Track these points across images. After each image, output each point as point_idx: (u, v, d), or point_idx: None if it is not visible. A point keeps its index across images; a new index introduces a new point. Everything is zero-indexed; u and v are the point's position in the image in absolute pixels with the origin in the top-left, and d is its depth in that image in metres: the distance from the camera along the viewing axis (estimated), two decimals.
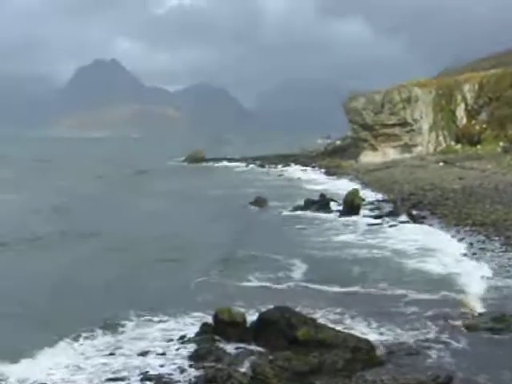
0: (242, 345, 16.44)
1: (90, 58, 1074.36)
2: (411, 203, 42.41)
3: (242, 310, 18.18)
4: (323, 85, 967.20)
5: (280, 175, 75.43)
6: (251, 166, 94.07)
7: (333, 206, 43.74)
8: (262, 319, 16.66)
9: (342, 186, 56.55)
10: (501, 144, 69.50)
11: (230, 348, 16.34)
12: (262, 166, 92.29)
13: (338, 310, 19.67)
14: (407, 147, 77.66)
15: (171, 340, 17.19)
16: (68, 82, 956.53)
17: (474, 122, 77.18)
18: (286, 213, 42.40)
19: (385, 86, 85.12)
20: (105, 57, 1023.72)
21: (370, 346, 15.51)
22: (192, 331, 17.63)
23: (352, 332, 16.86)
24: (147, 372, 14.88)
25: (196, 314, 19.39)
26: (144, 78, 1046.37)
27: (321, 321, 17.25)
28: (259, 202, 46.80)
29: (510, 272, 23.88)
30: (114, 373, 14.96)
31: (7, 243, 31.54)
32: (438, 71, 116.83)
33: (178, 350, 16.39)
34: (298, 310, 17.58)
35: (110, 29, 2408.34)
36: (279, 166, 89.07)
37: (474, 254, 27.17)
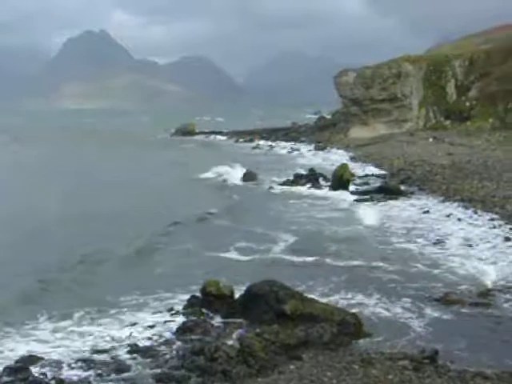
0: (229, 318, 16.54)
1: (79, 29, 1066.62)
2: (400, 179, 42.46)
3: (228, 282, 18.23)
4: (314, 59, 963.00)
5: (269, 149, 75.26)
6: (241, 139, 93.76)
7: (322, 180, 43.79)
8: (250, 292, 16.73)
9: (331, 161, 56.57)
10: (490, 121, 69.55)
11: (218, 321, 16.45)
12: (252, 140, 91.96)
13: (322, 284, 19.89)
14: (397, 122, 77.56)
15: (159, 312, 17.28)
16: (57, 54, 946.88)
17: (463, 98, 77.11)
18: (274, 187, 42.37)
19: (377, 61, 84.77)
20: (94, 28, 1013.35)
21: (356, 320, 15.62)
22: (180, 304, 17.72)
23: (338, 305, 16.99)
24: (135, 344, 14.97)
25: (183, 286, 19.47)
26: (133, 51, 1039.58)
27: (307, 293, 17.33)
28: (248, 176, 46.77)
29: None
30: (101, 344, 15.05)
31: None
32: (430, 47, 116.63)
33: (165, 322, 16.47)
34: (281, 281, 17.59)
35: (100, 0, 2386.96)
36: (269, 141, 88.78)
37: (462, 229, 27.42)
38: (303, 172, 46.47)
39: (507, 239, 25.10)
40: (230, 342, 14.47)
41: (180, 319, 16.47)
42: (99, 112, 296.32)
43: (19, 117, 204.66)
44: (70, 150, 73.63)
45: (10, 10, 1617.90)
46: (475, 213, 30.16)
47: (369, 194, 37.88)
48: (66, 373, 13.53)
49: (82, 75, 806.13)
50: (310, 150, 72.54)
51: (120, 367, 13.74)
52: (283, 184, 43.11)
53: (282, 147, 77.80)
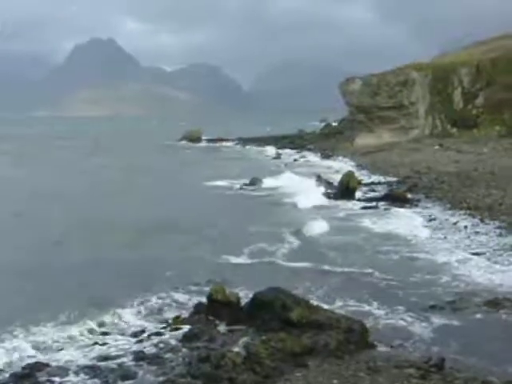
0: (235, 325, 16.51)
1: (87, 37, 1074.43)
2: (406, 186, 42.41)
3: (233, 288, 18.24)
4: (320, 66, 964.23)
5: (276, 157, 75.23)
6: (247, 147, 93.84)
7: (328, 188, 43.72)
8: (256, 300, 16.71)
9: (337, 169, 56.55)
10: (497, 128, 69.51)
11: (224, 328, 16.42)
12: (259, 146, 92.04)
13: (325, 290, 19.89)
14: (403, 130, 77.49)
15: (165, 319, 17.27)
16: (64, 61, 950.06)
17: (470, 105, 77.07)
18: (280, 193, 42.33)
19: (383, 69, 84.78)
20: (101, 36, 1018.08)
21: (362, 328, 15.59)
22: (186, 311, 17.71)
23: (344, 313, 16.95)
24: (141, 351, 14.96)
25: (190, 292, 19.51)
26: (141, 58, 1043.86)
27: (311, 300, 17.30)
28: (254, 182, 46.83)
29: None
30: (108, 351, 15.04)
31: None
32: (436, 53, 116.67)
33: (171, 329, 16.45)
34: (286, 288, 17.56)
35: (107, 8, 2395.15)
36: (275, 148, 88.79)
37: (468, 237, 27.35)
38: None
39: None
40: (236, 349, 14.44)
41: (186, 326, 16.45)
42: (107, 120, 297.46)
43: (28, 126, 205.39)
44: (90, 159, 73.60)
45: (17, 16, 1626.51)
46: (482, 221, 30.08)
47: (375, 202, 37.84)
48: (72, 380, 13.53)
49: (89, 82, 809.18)
50: (316, 158, 72.58)
51: (126, 374, 13.74)
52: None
53: (289, 154, 77.80)
